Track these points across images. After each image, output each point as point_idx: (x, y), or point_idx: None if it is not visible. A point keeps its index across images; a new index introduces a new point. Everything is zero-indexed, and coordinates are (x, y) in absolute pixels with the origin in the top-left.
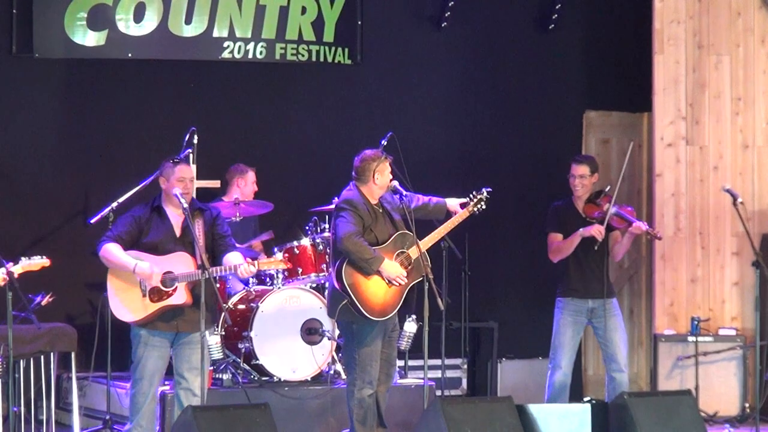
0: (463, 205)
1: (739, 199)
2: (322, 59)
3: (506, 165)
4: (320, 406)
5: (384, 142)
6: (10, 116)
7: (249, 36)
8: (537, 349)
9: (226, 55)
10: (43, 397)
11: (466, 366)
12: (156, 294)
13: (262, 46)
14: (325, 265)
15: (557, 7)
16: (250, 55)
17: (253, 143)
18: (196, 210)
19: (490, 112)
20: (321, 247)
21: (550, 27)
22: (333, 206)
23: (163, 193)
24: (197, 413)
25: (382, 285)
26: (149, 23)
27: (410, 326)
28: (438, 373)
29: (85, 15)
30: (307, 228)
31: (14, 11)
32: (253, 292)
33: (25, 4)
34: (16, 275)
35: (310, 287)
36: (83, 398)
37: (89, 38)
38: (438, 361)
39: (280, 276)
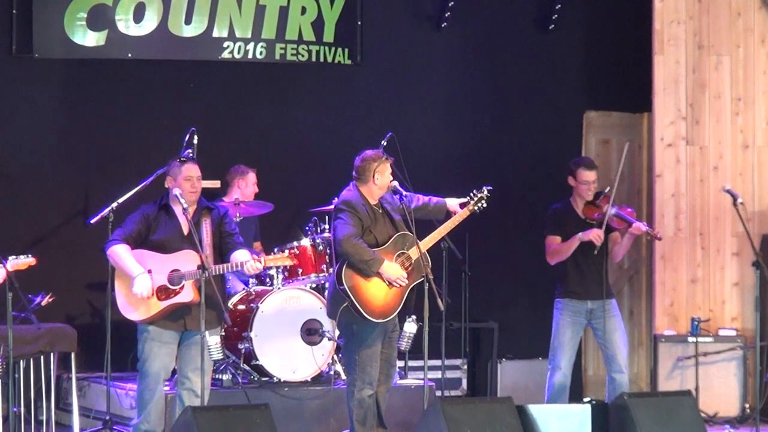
0: (463, 205)
1: (739, 200)
2: (322, 59)
3: (506, 165)
4: (320, 406)
5: (384, 143)
6: (10, 116)
7: (249, 36)
8: (537, 350)
9: (225, 55)
10: (43, 398)
11: (466, 366)
12: (163, 292)
13: (262, 47)
14: (325, 266)
15: (557, 7)
16: (250, 56)
17: (252, 143)
18: (203, 209)
19: (490, 113)
20: (321, 247)
21: (550, 27)
22: (333, 206)
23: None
24: (197, 414)
25: (382, 287)
26: (149, 23)
27: (410, 327)
28: (438, 374)
29: (85, 15)
30: (307, 228)
31: (14, 11)
32: (253, 293)
33: (24, 5)
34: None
35: (310, 288)
36: (83, 399)
37: (89, 38)
38: (438, 362)
39: (280, 276)
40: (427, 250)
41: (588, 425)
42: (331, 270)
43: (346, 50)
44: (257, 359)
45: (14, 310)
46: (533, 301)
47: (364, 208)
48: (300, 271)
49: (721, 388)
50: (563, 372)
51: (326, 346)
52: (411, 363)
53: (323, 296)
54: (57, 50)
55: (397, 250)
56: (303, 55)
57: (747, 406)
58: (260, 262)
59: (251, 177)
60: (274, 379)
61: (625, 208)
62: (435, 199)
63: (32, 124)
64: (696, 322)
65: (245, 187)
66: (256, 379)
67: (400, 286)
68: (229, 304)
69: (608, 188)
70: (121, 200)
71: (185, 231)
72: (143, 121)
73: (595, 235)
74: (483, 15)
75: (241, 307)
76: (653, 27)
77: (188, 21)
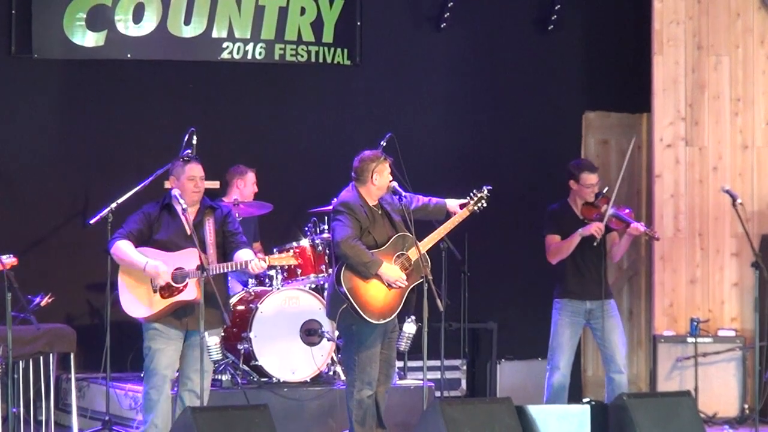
0: (462, 206)
1: (739, 200)
2: (321, 60)
3: (505, 166)
4: (319, 407)
5: (383, 143)
6: (10, 117)
7: (248, 36)
8: (536, 350)
9: (225, 55)
10: (42, 398)
11: (465, 367)
12: (167, 290)
13: (261, 47)
14: (324, 266)
15: (556, 7)
16: (249, 56)
17: (252, 144)
18: (206, 208)
19: (490, 113)
20: (320, 248)
21: (550, 28)
22: (332, 207)
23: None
24: (196, 414)
25: (381, 288)
26: (148, 24)
27: (409, 327)
28: (437, 374)
29: (84, 15)
30: (306, 229)
31: (13, 12)
32: (252, 293)
33: (24, 5)
34: None
35: (309, 288)
36: (82, 399)
37: (88, 39)
38: (437, 362)
39: (279, 277)
40: (426, 251)
41: (587, 426)
42: (330, 270)
43: (346, 51)
44: (256, 360)
45: (13, 310)
46: (532, 301)
47: (362, 210)
48: (299, 271)
49: (720, 389)
50: (562, 372)
51: (325, 347)
52: (410, 363)
53: (322, 297)
54: (56, 50)
55: (396, 251)
56: (302, 56)
57: (746, 406)
58: (265, 261)
59: (250, 177)
60: (274, 379)
61: (624, 209)
62: (435, 200)
63: (31, 125)
64: (695, 323)
65: (244, 187)
66: (255, 379)
67: (400, 287)
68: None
69: (606, 189)
70: (120, 201)
71: (188, 231)
72: (142, 122)
73: (596, 229)
74: (482, 15)
75: (241, 307)
76: (652, 27)
77: (187, 21)
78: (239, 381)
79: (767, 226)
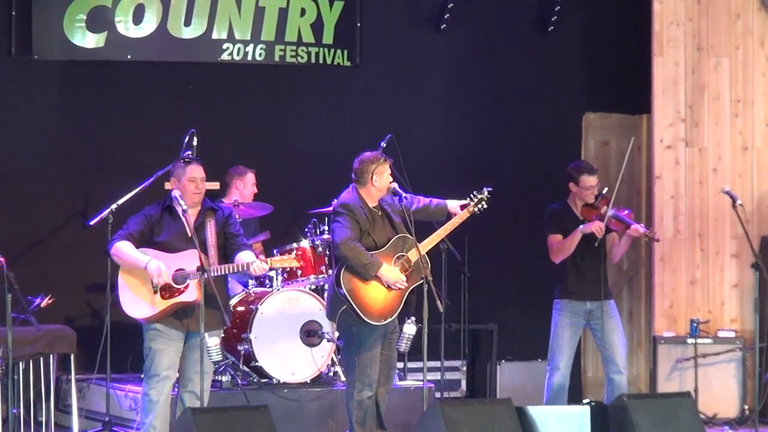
0: (463, 207)
1: (739, 201)
2: (321, 61)
3: (506, 167)
4: (319, 408)
5: (383, 144)
6: (10, 118)
7: (248, 38)
8: (536, 351)
9: (225, 56)
10: (42, 399)
11: (465, 368)
12: (167, 291)
13: (261, 48)
14: (324, 267)
15: (556, 8)
16: (250, 57)
17: (252, 145)
18: (208, 209)
19: (490, 114)
20: (320, 249)
21: (550, 29)
22: (331, 208)
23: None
24: (196, 415)
25: (381, 289)
26: (148, 25)
27: (409, 328)
28: (437, 375)
29: (84, 17)
30: (306, 230)
31: (13, 13)
32: (252, 294)
33: (24, 6)
34: None
35: (309, 289)
36: (82, 400)
37: (88, 40)
38: (437, 363)
39: (279, 278)
40: (426, 252)
41: (587, 426)
42: (330, 271)
43: (346, 52)
44: (256, 361)
45: (14, 311)
46: (532, 302)
47: (362, 211)
48: (299, 272)
49: (720, 390)
50: (562, 373)
51: (325, 348)
52: (410, 364)
53: (322, 298)
54: (56, 52)
55: (396, 252)
56: (302, 57)
57: (746, 407)
58: (266, 263)
59: (249, 177)
60: (274, 380)
61: (623, 210)
62: (436, 201)
63: (32, 126)
64: (695, 324)
65: (243, 188)
66: (255, 380)
67: (399, 289)
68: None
69: (606, 190)
70: (120, 202)
71: (189, 232)
72: (143, 123)
73: (597, 227)
74: (482, 16)
75: (241, 308)
76: (652, 28)
77: (188, 23)
78: (239, 382)
79: (767, 227)
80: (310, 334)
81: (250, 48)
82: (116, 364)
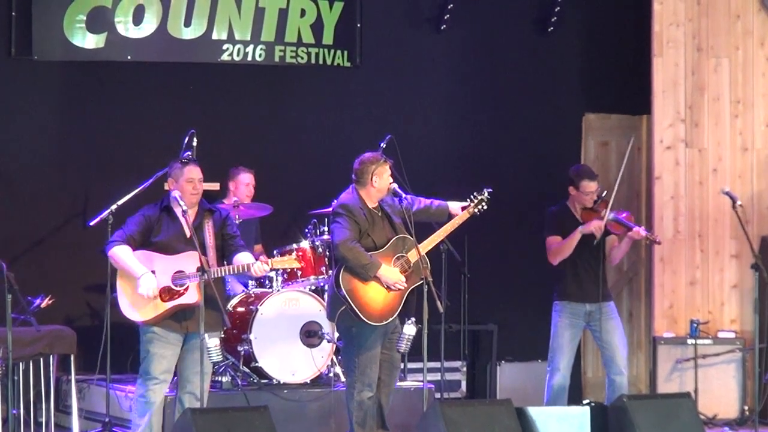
0: (464, 208)
1: (738, 202)
2: (321, 62)
3: (505, 168)
4: (320, 408)
5: (383, 145)
6: (10, 118)
7: (248, 38)
8: (536, 352)
9: (225, 57)
10: (42, 400)
11: (465, 369)
12: (167, 293)
13: (261, 49)
14: (324, 268)
15: (556, 9)
16: (250, 58)
17: (252, 145)
18: (205, 211)
19: (490, 115)
20: (320, 249)
21: (549, 29)
22: (331, 209)
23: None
24: (196, 416)
25: (381, 290)
26: (148, 25)
27: (409, 329)
28: (437, 376)
29: (84, 17)
30: (306, 230)
31: (13, 14)
32: (253, 295)
33: (24, 7)
34: None
35: (309, 290)
36: (82, 401)
37: (88, 40)
38: (437, 364)
39: (279, 279)
40: (426, 253)
41: (587, 427)
42: (330, 272)
43: (346, 52)
44: (257, 361)
45: (13, 312)
46: (532, 303)
47: (361, 212)
48: (299, 273)
49: (720, 390)
50: (562, 374)
51: (325, 348)
52: (410, 365)
53: (322, 298)
54: (56, 52)
55: (396, 253)
56: (302, 58)
57: (746, 408)
58: (267, 264)
59: (242, 178)
60: (274, 381)
61: (623, 213)
62: (437, 202)
63: (32, 126)
64: (695, 325)
65: (235, 188)
66: (255, 381)
67: (399, 289)
68: (228, 307)
69: (605, 192)
70: (120, 202)
71: (187, 233)
72: (143, 123)
73: (596, 227)
74: (482, 17)
75: (241, 309)
76: (652, 29)
77: (188, 23)
78: (239, 382)
79: (767, 227)
80: (310, 334)
81: (250, 48)
82: (116, 365)
